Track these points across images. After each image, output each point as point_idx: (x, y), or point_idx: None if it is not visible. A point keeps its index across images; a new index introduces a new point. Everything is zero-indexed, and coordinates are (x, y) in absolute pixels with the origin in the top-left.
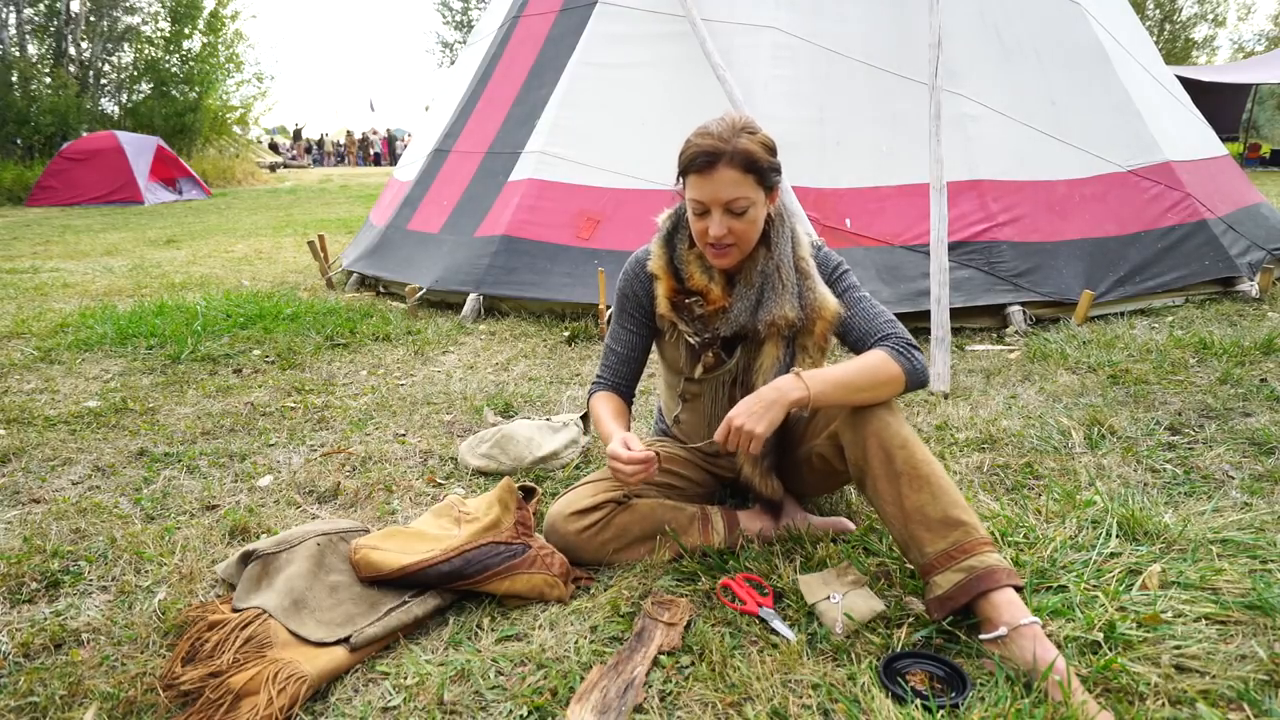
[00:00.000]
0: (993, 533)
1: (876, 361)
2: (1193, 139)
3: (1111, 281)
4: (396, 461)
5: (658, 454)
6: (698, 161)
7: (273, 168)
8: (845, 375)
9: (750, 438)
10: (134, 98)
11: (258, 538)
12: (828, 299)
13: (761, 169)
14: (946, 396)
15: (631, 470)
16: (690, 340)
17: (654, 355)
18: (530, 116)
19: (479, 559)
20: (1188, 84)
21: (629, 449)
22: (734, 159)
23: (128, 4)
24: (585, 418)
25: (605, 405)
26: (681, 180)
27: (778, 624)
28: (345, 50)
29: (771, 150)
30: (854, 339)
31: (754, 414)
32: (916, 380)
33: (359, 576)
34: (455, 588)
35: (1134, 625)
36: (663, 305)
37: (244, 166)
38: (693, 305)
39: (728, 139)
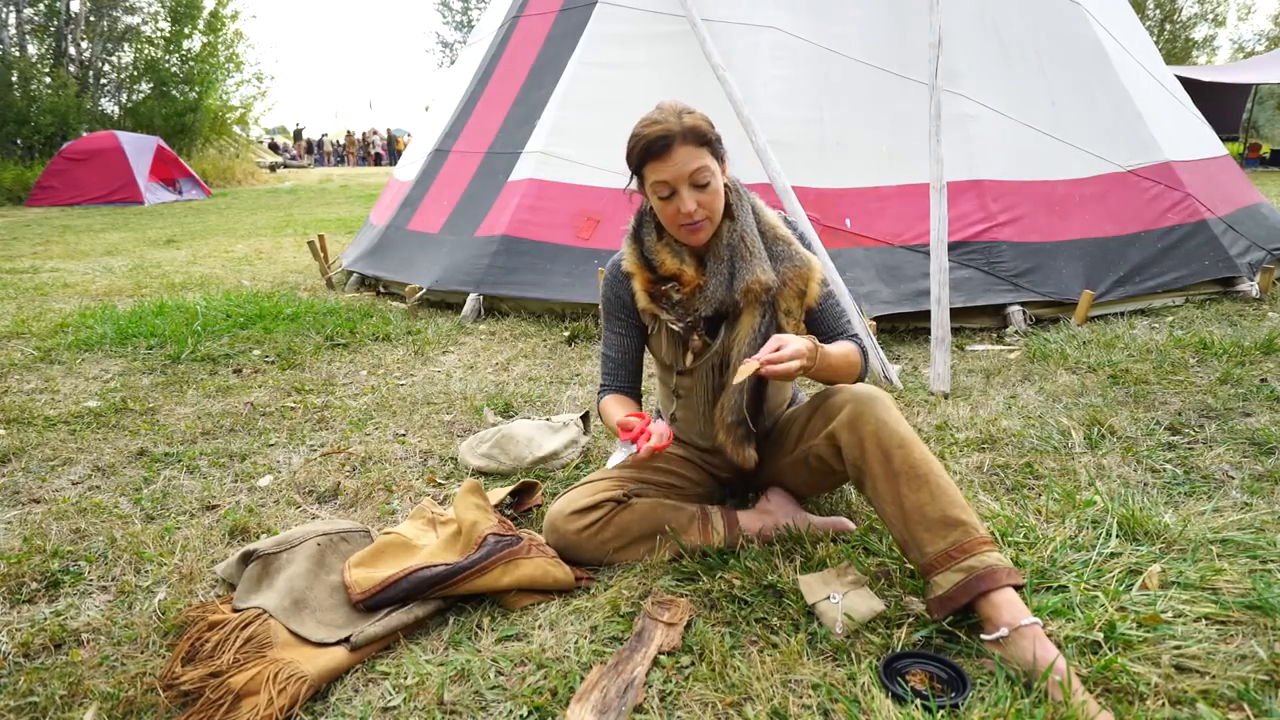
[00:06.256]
0: (993, 533)
1: (852, 352)
2: (1193, 139)
3: (1111, 281)
4: (396, 461)
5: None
6: (656, 147)
7: (273, 168)
8: (835, 353)
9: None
10: (134, 98)
11: (258, 538)
12: (810, 258)
13: (712, 141)
14: (946, 396)
15: (645, 439)
16: (674, 328)
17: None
18: (530, 116)
19: (481, 554)
20: (1188, 84)
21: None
22: (687, 136)
23: (128, 4)
24: (585, 418)
25: (616, 404)
26: (637, 178)
27: (619, 455)
28: (345, 50)
29: (711, 124)
30: (820, 330)
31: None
32: (862, 378)
33: (353, 597)
34: (460, 585)
35: (1134, 625)
36: (642, 299)
37: (244, 166)
38: (670, 291)
39: (675, 120)
